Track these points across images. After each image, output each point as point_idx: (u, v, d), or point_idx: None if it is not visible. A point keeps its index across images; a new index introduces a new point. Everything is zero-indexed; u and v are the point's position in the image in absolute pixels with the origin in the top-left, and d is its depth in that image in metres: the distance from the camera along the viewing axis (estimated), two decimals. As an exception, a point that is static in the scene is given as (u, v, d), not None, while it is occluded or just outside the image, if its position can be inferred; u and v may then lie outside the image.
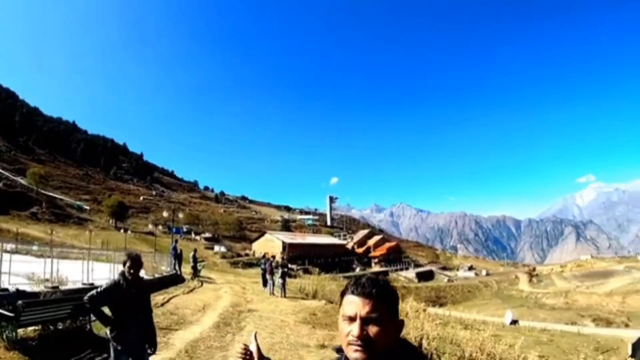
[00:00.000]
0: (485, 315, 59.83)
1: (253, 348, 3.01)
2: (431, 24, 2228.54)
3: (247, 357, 2.95)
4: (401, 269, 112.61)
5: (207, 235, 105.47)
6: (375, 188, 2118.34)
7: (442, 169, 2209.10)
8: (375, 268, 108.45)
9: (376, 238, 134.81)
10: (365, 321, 2.32)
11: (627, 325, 62.05)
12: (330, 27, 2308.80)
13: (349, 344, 2.33)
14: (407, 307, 37.88)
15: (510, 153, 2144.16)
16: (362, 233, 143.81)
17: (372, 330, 2.31)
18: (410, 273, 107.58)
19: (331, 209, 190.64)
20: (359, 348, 2.29)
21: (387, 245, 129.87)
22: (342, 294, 2.44)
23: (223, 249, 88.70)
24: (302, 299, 28.14)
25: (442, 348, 17.45)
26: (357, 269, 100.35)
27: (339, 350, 2.54)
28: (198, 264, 37.20)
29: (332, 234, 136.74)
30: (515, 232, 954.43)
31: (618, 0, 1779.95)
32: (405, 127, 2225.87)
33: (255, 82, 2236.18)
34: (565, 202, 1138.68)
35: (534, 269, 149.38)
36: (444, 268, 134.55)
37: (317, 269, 73.57)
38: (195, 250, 38.13)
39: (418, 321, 22.33)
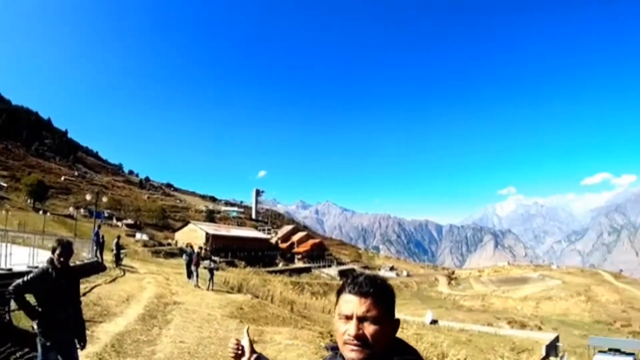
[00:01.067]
0: (405, 314, 60.94)
1: (245, 343, 2.93)
2: (371, 21, 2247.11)
3: (240, 352, 2.90)
4: (324, 266, 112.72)
5: (129, 221, 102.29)
6: (302, 184, 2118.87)
7: (370, 170, 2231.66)
8: (299, 264, 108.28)
9: (300, 234, 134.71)
10: (361, 320, 2.33)
11: (540, 328, 64.90)
12: (267, 17, 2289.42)
13: (346, 343, 2.34)
14: (327, 302, 38.22)
15: (437, 161, 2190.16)
16: (287, 229, 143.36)
17: (369, 329, 2.32)
18: (333, 271, 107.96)
19: (257, 202, 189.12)
20: (355, 347, 2.30)
21: (311, 242, 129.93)
22: (339, 293, 2.46)
23: (145, 237, 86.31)
24: (228, 292, 27.61)
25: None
26: (280, 265, 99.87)
27: (333, 348, 2.57)
28: (121, 252, 35.93)
29: (256, 228, 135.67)
30: (436, 236, 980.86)
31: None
32: (337, 126, 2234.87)
33: (186, 69, 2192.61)
34: (486, 211, 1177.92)
35: (453, 273, 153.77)
36: (366, 267, 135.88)
37: (244, 263, 72.95)
38: (118, 237, 36.83)
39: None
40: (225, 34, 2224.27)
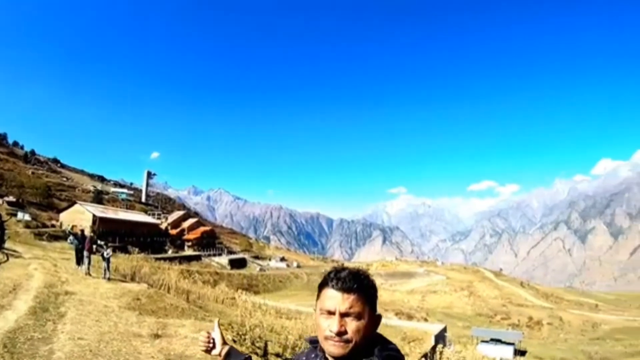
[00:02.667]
0: (297, 305, 61.17)
1: (216, 335, 3.10)
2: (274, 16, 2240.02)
3: (211, 345, 3.06)
4: (214, 255, 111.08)
5: (11, 199, 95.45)
6: (195, 169, 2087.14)
7: (265, 161, 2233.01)
8: (188, 252, 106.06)
9: (191, 221, 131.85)
10: (344, 316, 2.40)
11: (426, 320, 67.62)
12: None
13: (327, 338, 2.42)
14: (219, 292, 37.64)
15: (332, 156, 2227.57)
16: (178, 214, 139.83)
17: (351, 325, 2.39)
18: (224, 259, 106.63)
19: (148, 185, 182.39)
20: (337, 343, 2.39)
21: (202, 229, 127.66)
22: (321, 287, 2.54)
23: (27, 217, 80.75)
24: (121, 281, 26.19)
25: (266, 336, 17.18)
26: (170, 251, 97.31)
27: (313, 341, 2.66)
28: (5, 234, 33.08)
29: (146, 212, 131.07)
30: (327, 229, 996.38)
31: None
32: (234, 114, 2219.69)
33: (84, 43, 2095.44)
34: (376, 208, 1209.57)
35: (343, 265, 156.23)
36: (257, 257, 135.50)
37: (137, 249, 70.38)
38: (1, 217, 34.03)
39: (241, 309, 21.95)
40: (121, 17, 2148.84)
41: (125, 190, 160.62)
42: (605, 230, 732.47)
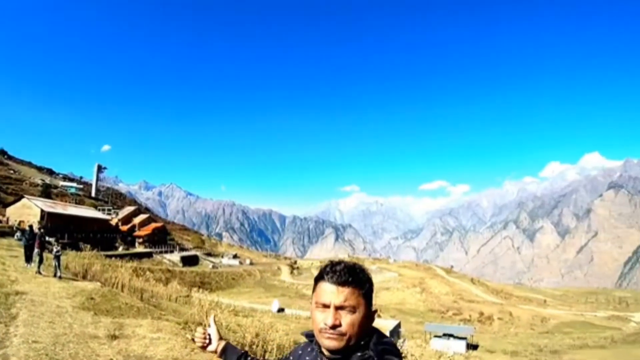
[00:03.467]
0: (250, 302, 60.96)
1: (212, 331, 3.21)
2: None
3: (207, 341, 3.17)
4: (166, 252, 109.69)
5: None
6: (147, 163, 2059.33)
7: (217, 156, 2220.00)
8: (139, 248, 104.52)
9: (142, 217, 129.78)
10: (339, 309, 2.44)
11: (379, 316, 67.82)
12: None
13: (322, 331, 2.46)
14: (172, 290, 37.12)
15: (286, 154, 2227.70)
16: (128, 210, 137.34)
17: (346, 319, 2.44)
18: (175, 256, 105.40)
19: (98, 179, 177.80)
20: (332, 336, 2.43)
21: (153, 225, 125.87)
22: (317, 280, 2.61)
23: (-28, 212, 78.47)
24: (72, 279, 25.47)
25: (224, 335, 16.81)
26: (120, 248, 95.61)
27: (308, 335, 2.76)
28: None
29: (96, 207, 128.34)
30: (279, 226, 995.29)
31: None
32: (187, 110, 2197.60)
33: (32, 36, 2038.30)
34: (329, 206, 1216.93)
35: (295, 262, 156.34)
36: (209, 254, 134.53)
37: (89, 246, 68.68)
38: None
39: (198, 308, 21.62)
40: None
41: (74, 184, 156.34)
42: (553, 229, 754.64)
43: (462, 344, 56.08)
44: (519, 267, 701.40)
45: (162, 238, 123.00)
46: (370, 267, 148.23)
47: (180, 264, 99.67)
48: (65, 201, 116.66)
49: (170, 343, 12.20)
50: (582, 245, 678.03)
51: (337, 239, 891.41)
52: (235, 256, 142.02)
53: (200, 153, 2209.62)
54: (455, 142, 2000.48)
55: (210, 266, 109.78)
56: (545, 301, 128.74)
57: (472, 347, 58.50)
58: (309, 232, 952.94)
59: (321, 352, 2.54)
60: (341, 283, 2.43)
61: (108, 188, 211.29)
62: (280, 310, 50.37)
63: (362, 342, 2.48)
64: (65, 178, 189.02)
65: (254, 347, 14.03)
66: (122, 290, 24.66)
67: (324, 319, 2.42)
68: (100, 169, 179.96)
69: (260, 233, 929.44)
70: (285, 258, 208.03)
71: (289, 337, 16.33)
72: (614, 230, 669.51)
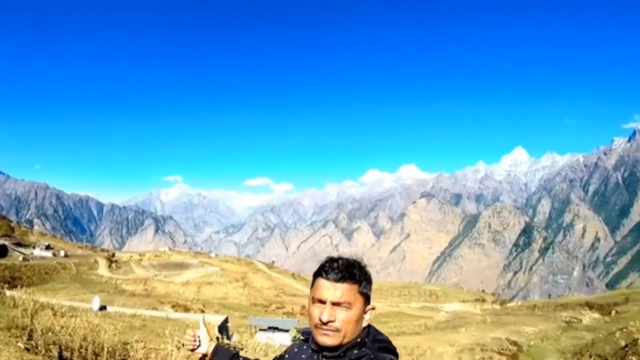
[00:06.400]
0: (66, 299, 57.64)
1: (202, 333, 3.20)
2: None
3: (197, 344, 3.15)
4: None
5: None
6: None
7: (32, 129, 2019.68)
8: None
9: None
10: (335, 306, 2.46)
11: (203, 311, 68.31)
12: None
13: (317, 327, 2.50)
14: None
15: (106, 132, 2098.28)
16: None
17: (342, 315, 2.46)
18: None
19: None
20: (328, 333, 2.45)
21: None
22: (315, 276, 2.63)
23: None
24: None
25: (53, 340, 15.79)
26: None
27: (305, 332, 2.79)
28: None
29: None
30: (97, 215, 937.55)
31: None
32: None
33: None
34: (150, 195, 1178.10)
35: (114, 255, 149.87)
36: (19, 244, 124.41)
37: None
38: None
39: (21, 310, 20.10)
40: None
41: None
42: (369, 230, 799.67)
43: (287, 337, 57.62)
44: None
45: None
46: (192, 261, 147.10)
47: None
48: None
49: (4, 355, 9.92)
50: (396, 245, 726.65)
51: (157, 230, 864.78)
52: (48, 247, 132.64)
53: (12, 123, 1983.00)
54: (281, 142, 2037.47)
55: (21, 258, 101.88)
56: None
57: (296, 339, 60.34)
58: (128, 223, 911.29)
59: (317, 350, 2.58)
60: (338, 279, 2.47)
61: None
62: (102, 308, 48.26)
63: (359, 339, 2.52)
64: None
65: (83, 350, 13.13)
66: None
67: (320, 314, 2.45)
68: None
69: (75, 221, 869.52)
70: (103, 250, 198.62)
71: (117, 337, 15.56)
72: (425, 233, 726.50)
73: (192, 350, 3.13)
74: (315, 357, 2.60)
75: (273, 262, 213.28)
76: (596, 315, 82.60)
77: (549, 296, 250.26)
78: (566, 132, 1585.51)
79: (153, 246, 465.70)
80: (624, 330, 49.23)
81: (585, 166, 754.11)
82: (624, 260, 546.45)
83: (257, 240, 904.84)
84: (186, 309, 67.88)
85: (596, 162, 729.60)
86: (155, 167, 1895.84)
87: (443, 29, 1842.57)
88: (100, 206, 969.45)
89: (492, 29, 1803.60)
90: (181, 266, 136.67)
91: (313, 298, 2.55)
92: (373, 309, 2.65)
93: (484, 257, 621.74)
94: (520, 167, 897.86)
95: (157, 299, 76.53)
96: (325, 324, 2.42)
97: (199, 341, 3.15)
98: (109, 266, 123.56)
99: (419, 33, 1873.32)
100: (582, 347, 49.03)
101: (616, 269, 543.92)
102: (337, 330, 2.42)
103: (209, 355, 3.11)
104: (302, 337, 2.87)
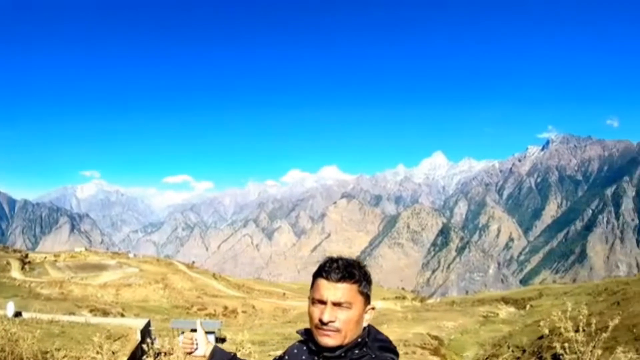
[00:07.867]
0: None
1: (199, 336, 3.23)
2: None
3: (194, 347, 3.17)
4: None
5: None
6: None
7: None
8: None
9: None
10: (335, 306, 2.46)
11: (122, 315, 66.63)
12: None
13: (317, 327, 2.51)
14: None
15: (19, 120, 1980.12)
16: None
17: (342, 316, 2.47)
18: None
19: None
20: (328, 333, 2.46)
21: None
22: (315, 276, 2.64)
23: None
24: None
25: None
26: None
27: (304, 332, 2.80)
28: None
29: None
30: (8, 212, 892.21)
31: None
32: None
33: None
34: (65, 191, 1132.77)
35: (27, 256, 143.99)
36: None
37: None
38: None
39: None
40: None
41: None
42: (290, 229, 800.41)
43: (212, 338, 57.34)
44: (258, 263, 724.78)
45: None
46: (110, 262, 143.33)
47: None
48: None
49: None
50: (317, 244, 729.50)
51: (72, 229, 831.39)
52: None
53: None
54: (202, 139, 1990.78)
55: None
56: (284, 294, 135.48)
57: (220, 340, 60.11)
58: (42, 221, 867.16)
59: (317, 350, 2.60)
60: (338, 279, 2.49)
61: None
62: (17, 314, 46.66)
63: (359, 340, 2.55)
64: None
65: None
66: None
67: (320, 315, 2.47)
68: None
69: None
70: (15, 250, 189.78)
71: (36, 346, 15.27)
72: (345, 233, 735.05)
73: (190, 353, 3.18)
74: (315, 357, 2.64)
75: (193, 262, 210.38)
76: (512, 309, 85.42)
77: (467, 292, 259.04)
78: (484, 139, 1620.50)
79: (68, 246, 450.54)
80: (541, 322, 52.05)
81: (500, 171, 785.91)
82: (536, 259, 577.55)
83: (177, 239, 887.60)
84: (105, 313, 66.22)
85: (511, 168, 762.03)
86: (71, 161, 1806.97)
87: (364, 33, 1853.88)
88: (12, 202, 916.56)
89: (416, 34, 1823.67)
90: (98, 267, 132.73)
91: (313, 299, 2.59)
92: (373, 308, 2.70)
93: (403, 256, 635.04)
94: (439, 170, 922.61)
95: (74, 302, 74.06)
96: (325, 324, 2.46)
97: (197, 344, 3.20)
98: (22, 268, 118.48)
99: (339, 38, 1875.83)
100: (500, 339, 51.03)
101: (529, 267, 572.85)
102: (338, 330, 2.47)
103: (207, 357, 3.16)
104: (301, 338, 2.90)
